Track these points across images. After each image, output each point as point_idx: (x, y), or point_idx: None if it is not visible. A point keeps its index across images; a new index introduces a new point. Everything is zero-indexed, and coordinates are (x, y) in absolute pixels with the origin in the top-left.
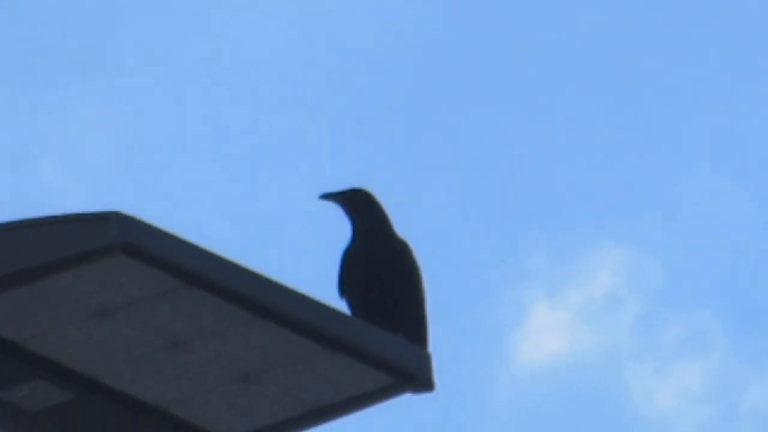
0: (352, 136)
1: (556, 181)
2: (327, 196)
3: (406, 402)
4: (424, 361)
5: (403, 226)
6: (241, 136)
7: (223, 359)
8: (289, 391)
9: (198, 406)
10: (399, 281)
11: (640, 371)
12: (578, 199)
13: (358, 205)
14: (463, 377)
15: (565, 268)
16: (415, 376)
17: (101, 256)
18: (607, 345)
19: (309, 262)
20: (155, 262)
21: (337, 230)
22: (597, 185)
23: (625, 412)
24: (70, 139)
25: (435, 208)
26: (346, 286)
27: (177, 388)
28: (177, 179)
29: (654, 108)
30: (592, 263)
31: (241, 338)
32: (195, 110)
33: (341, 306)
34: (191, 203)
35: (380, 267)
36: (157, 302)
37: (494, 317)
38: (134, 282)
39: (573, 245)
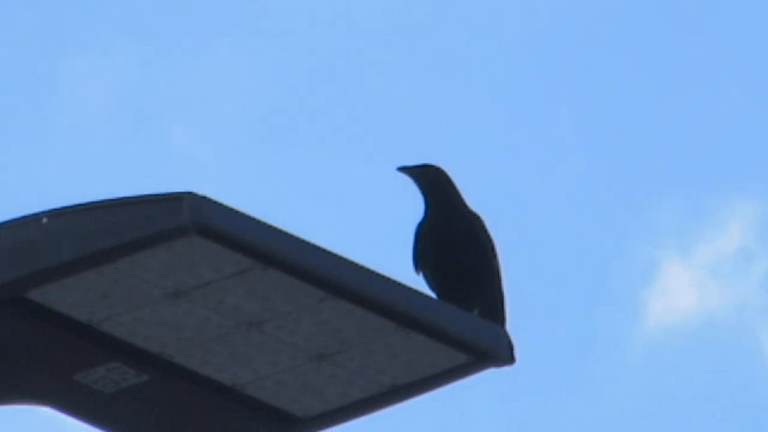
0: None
1: (685, 134)
2: (403, 169)
3: (524, 367)
4: (500, 337)
5: (524, 184)
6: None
7: (297, 339)
8: (363, 371)
9: (272, 386)
10: (470, 254)
11: None
12: (708, 151)
13: (431, 180)
14: (596, 337)
15: (696, 224)
16: (489, 354)
17: (175, 237)
18: (739, 301)
19: (383, 237)
20: (229, 242)
21: (411, 205)
22: (728, 137)
23: (757, 370)
24: (200, 101)
25: (560, 166)
26: (420, 260)
27: (251, 369)
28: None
29: None
30: (723, 218)
31: (315, 318)
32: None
33: (417, 283)
34: (263, 182)
35: (451, 240)
36: (231, 283)
37: (624, 276)
38: (208, 263)
39: (703, 200)
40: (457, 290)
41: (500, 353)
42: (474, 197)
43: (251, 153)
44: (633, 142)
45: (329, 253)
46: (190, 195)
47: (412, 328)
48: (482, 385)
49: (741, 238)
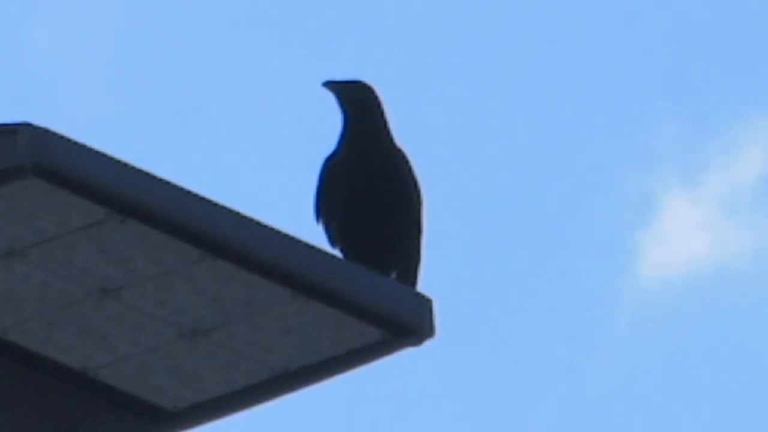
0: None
1: (690, 32)
2: (329, 85)
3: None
4: (423, 308)
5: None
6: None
7: (164, 311)
8: (249, 350)
9: (133, 370)
10: (392, 201)
11: None
12: (720, 60)
13: (357, 100)
14: (581, 293)
15: (703, 147)
16: (411, 329)
17: (7, 180)
18: (760, 246)
19: (279, 174)
20: (77, 186)
21: (327, 132)
22: (744, 37)
23: None
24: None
25: (537, 74)
26: (324, 206)
27: (107, 349)
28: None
29: None
30: (738, 139)
31: (187, 283)
32: None
33: (319, 239)
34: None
35: (370, 181)
36: (79, 238)
37: (615, 214)
38: (50, 213)
39: (712, 115)
40: (369, 248)
41: (422, 327)
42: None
43: (121, 58)
44: (624, 41)
45: (206, 200)
46: (28, 127)
47: (312, 297)
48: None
49: (761, 164)
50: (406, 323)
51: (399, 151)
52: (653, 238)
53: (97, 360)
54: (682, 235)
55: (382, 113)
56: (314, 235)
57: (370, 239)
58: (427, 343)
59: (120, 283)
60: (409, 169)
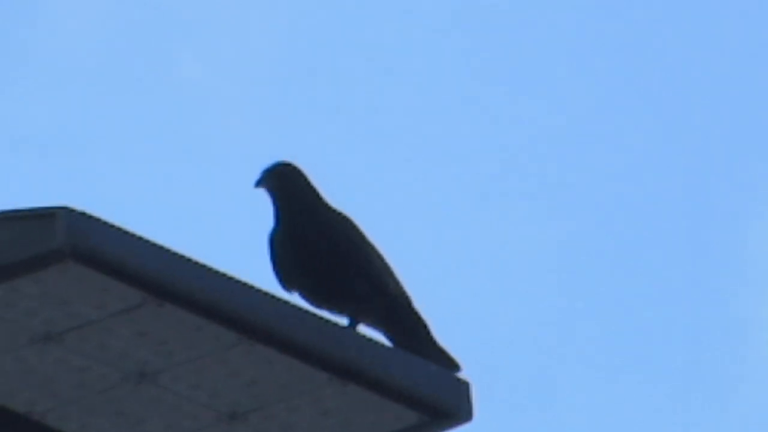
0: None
1: None
2: (259, 184)
3: None
4: (461, 391)
5: None
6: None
7: (201, 394)
8: None
9: None
10: (336, 255)
11: None
12: None
13: (285, 182)
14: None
15: None
16: (449, 412)
17: (45, 264)
18: None
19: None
20: (114, 270)
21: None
22: None
23: None
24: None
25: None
26: (284, 279)
27: None
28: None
29: None
30: None
31: (224, 367)
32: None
33: (346, 324)
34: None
35: (310, 246)
36: (117, 322)
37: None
38: (87, 297)
39: None
40: (336, 298)
41: (459, 410)
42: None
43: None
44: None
45: (243, 284)
46: (66, 211)
47: (350, 380)
48: None
49: None
50: (444, 407)
51: (334, 212)
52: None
53: None
54: None
55: (308, 185)
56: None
57: (333, 301)
58: (464, 427)
59: (157, 367)
60: (345, 224)
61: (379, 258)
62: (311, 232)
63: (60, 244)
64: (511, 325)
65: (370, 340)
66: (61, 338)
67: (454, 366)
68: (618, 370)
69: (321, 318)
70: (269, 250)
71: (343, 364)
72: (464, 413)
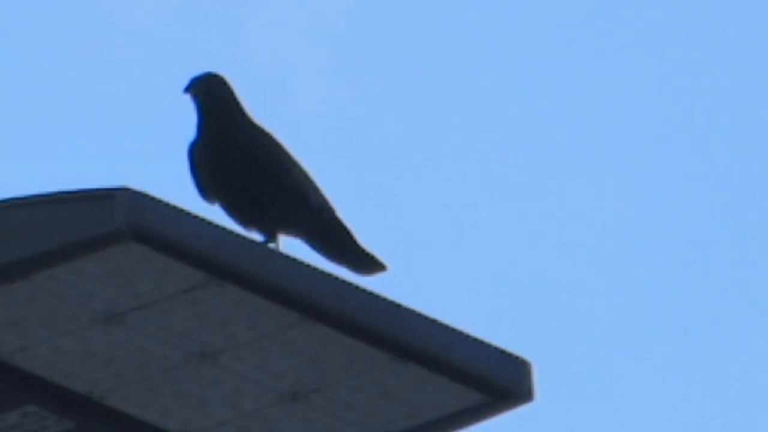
0: None
1: None
2: (188, 90)
3: None
4: (522, 371)
5: None
6: None
7: (262, 374)
8: (348, 414)
9: None
10: (254, 165)
11: None
12: None
13: (212, 91)
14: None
15: None
16: (510, 392)
17: (106, 245)
18: None
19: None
20: (175, 250)
21: None
22: None
23: None
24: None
25: None
26: (204, 189)
27: (205, 413)
28: None
29: None
30: None
31: (285, 347)
32: None
33: (413, 303)
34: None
35: (230, 154)
36: (178, 303)
37: None
38: (148, 277)
39: None
40: (257, 218)
41: (521, 388)
42: None
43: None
44: None
45: (303, 264)
46: (125, 191)
47: (411, 360)
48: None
49: None
50: (505, 386)
51: (257, 128)
52: None
53: (195, 424)
54: None
55: (233, 98)
56: (411, 296)
57: (253, 211)
58: (525, 407)
59: (218, 347)
60: (271, 141)
61: (301, 172)
62: (231, 141)
63: (120, 224)
64: (579, 311)
65: (431, 320)
66: (122, 319)
67: (380, 267)
68: (688, 360)
69: (383, 298)
70: (188, 160)
71: (404, 344)
72: (525, 393)
